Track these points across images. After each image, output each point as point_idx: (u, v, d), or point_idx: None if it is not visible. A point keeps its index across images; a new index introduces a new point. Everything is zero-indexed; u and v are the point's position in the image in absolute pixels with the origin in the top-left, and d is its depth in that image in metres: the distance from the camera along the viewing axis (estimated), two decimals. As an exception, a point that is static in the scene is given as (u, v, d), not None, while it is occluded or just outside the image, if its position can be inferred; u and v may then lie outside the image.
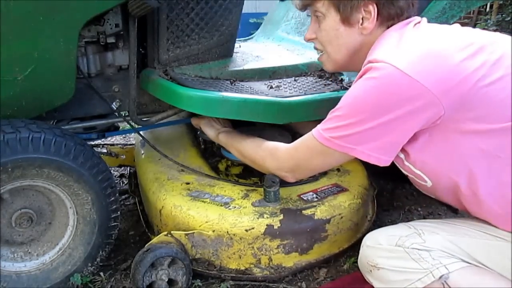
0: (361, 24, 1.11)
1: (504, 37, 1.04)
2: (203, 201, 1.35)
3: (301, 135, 1.17)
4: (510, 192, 0.95)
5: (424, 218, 1.74)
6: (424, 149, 1.03)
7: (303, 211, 1.34)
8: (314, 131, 1.09)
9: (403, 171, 1.14)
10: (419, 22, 1.11)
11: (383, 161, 1.02)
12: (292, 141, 1.19)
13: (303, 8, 1.23)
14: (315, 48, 1.25)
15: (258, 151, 1.27)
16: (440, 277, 0.98)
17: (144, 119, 1.58)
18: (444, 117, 0.95)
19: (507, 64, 0.95)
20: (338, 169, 1.59)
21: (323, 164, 1.15)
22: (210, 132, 1.49)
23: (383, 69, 0.95)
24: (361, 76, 1.01)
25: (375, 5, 1.09)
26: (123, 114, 1.55)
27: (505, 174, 0.95)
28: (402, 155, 1.08)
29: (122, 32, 1.43)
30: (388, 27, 1.11)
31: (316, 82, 1.58)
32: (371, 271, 1.10)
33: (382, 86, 0.95)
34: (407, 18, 1.12)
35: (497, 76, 0.93)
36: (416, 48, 0.98)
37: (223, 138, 1.43)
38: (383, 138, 0.99)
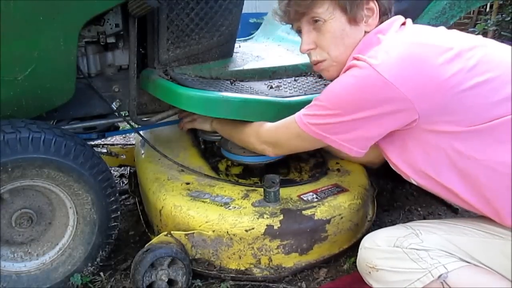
0: (366, 22, 1.13)
1: (485, 41, 1.05)
2: (203, 201, 1.35)
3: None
4: (487, 192, 0.98)
5: (424, 218, 1.74)
6: (403, 151, 1.08)
7: (303, 212, 1.33)
8: (296, 114, 1.16)
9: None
10: (403, 24, 1.13)
11: (354, 152, 1.09)
12: None
13: (295, 19, 1.18)
14: (313, 61, 1.21)
15: (245, 129, 1.36)
16: (439, 277, 0.98)
17: (144, 119, 1.58)
18: (419, 120, 0.98)
19: (482, 70, 0.96)
20: (338, 169, 1.59)
21: (300, 146, 1.23)
22: (205, 125, 1.54)
23: (362, 69, 0.99)
24: (345, 71, 1.07)
25: (375, 1, 1.12)
26: (123, 114, 1.55)
27: (482, 175, 0.98)
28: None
29: (122, 32, 1.43)
30: (382, 23, 1.14)
31: (316, 82, 1.58)
32: (370, 272, 1.10)
33: (359, 85, 1.00)
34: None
35: (472, 83, 0.95)
36: (396, 51, 0.99)
37: (217, 124, 1.49)
38: (355, 132, 1.05)
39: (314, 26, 1.15)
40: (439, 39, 1.03)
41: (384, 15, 1.14)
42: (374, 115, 1.00)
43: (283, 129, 1.22)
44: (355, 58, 1.04)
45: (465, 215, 1.13)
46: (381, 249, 1.07)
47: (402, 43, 1.02)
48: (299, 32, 1.22)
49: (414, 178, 1.11)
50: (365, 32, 1.13)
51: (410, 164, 1.09)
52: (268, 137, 1.27)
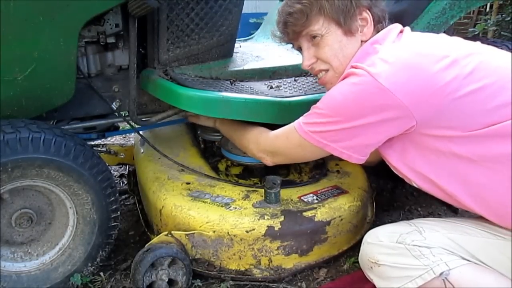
0: (361, 31, 1.15)
1: (482, 48, 1.06)
2: (203, 202, 1.35)
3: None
4: (487, 193, 1.00)
5: (424, 218, 1.74)
6: (403, 155, 1.09)
7: (304, 213, 1.33)
8: (295, 123, 1.16)
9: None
10: (401, 32, 1.15)
11: (354, 159, 1.10)
12: None
13: (294, 38, 1.22)
14: (317, 71, 1.22)
15: (245, 134, 1.35)
16: (441, 274, 0.99)
17: (144, 119, 1.58)
18: (417, 126, 1.00)
19: (478, 77, 0.97)
20: (338, 171, 1.59)
21: (300, 156, 1.23)
22: (208, 121, 1.52)
23: (361, 76, 1.01)
24: (343, 79, 1.07)
25: (368, 11, 1.15)
26: (123, 114, 1.55)
27: (482, 176, 0.99)
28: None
29: (122, 32, 1.43)
30: (377, 32, 1.16)
31: (316, 82, 1.58)
32: (371, 267, 1.10)
33: (359, 93, 1.01)
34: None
35: (468, 89, 0.96)
36: (394, 60, 1.01)
37: (219, 124, 1.48)
38: (356, 139, 1.06)
39: (313, 42, 1.18)
40: (436, 47, 1.04)
41: (378, 23, 1.17)
42: (374, 122, 1.01)
43: (283, 138, 1.21)
44: (353, 67, 1.06)
45: (465, 215, 1.13)
46: (384, 244, 1.08)
47: (399, 52, 1.04)
48: (299, 50, 1.25)
49: (415, 181, 1.11)
50: (362, 41, 1.16)
51: (410, 167, 1.10)
52: (268, 146, 1.27)
